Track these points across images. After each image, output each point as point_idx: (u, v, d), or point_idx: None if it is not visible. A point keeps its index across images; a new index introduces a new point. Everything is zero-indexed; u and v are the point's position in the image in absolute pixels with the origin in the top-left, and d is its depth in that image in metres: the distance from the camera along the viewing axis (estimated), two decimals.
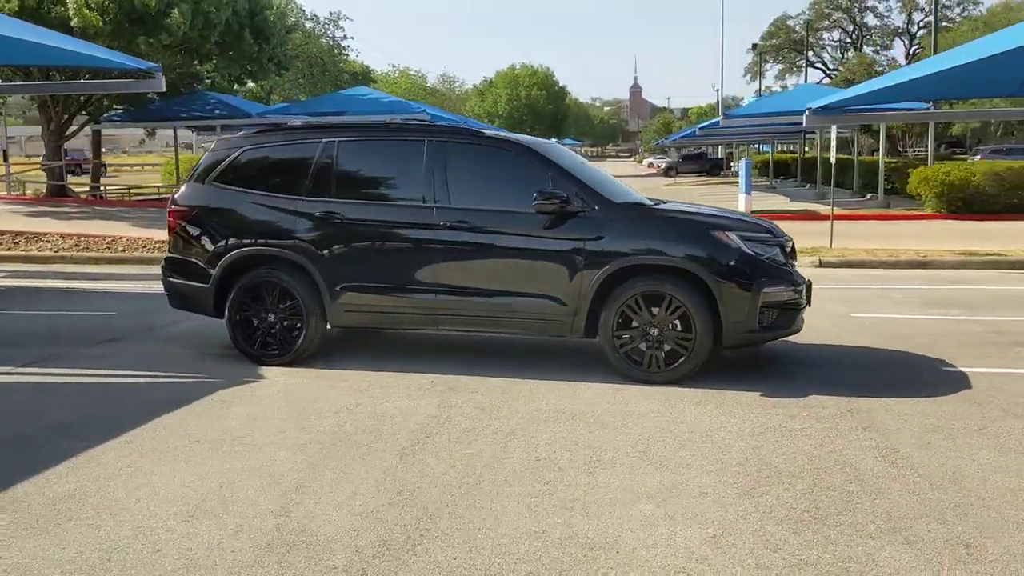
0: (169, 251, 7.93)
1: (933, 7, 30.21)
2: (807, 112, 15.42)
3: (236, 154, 7.79)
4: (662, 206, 7.48)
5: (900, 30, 72.15)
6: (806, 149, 50.15)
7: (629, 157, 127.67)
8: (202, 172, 7.88)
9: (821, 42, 73.17)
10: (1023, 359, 7.76)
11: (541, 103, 74.62)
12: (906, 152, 57.42)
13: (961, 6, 68.55)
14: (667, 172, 65.62)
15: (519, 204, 7.09)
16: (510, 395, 6.55)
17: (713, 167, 65.11)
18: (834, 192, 17.58)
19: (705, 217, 7.20)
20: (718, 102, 73.78)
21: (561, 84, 79.48)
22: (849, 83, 60.05)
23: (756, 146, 67.32)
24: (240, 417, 6.02)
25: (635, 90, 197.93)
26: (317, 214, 7.40)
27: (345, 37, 52.98)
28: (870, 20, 72.77)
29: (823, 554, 3.94)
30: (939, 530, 4.19)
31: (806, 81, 59.67)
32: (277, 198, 7.55)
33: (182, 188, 8.01)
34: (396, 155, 7.49)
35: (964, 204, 23.57)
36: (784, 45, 73.09)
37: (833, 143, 17.01)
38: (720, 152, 68.64)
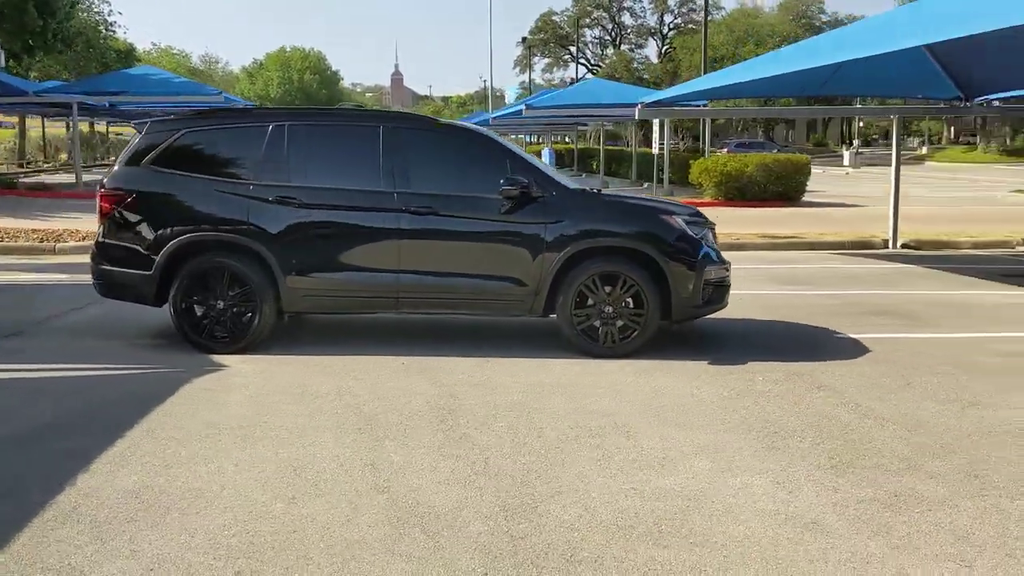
0: (101, 237, 7.51)
1: (704, 11, 32.87)
2: (640, 105, 16.52)
3: (175, 137, 7.51)
4: (609, 192, 8.00)
5: (653, 30, 77.19)
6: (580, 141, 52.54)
7: None
8: (136, 155, 7.51)
9: (584, 39, 76.84)
10: (887, 326, 8.94)
11: (315, 87, 73.25)
12: (678, 144, 61.04)
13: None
14: None
15: (478, 190, 7.36)
16: (491, 373, 6.82)
17: None
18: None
19: (653, 202, 7.81)
20: (488, 93, 75.84)
21: (334, 69, 78.63)
22: (612, 78, 63.69)
23: (525, 138, 69.67)
24: (243, 404, 5.93)
25: (396, 77, 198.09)
26: (271, 199, 7.30)
27: (112, 12, 49.56)
28: (627, 20, 77.39)
29: (876, 491, 4.58)
30: (946, 465, 4.96)
31: (577, 76, 62.56)
32: (226, 182, 7.38)
33: (113, 171, 7.60)
34: (351, 140, 7.54)
35: (739, 192, 25.90)
36: (551, 40, 76.21)
37: (657, 135, 18.25)
38: None
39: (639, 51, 76.79)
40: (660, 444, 5.26)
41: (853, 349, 7.85)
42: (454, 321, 8.70)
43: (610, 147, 46.79)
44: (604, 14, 75.78)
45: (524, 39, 71.56)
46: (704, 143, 33.10)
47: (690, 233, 7.48)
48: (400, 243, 7.29)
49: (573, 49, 67.41)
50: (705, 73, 35.90)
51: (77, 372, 6.84)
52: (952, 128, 77.18)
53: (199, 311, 7.35)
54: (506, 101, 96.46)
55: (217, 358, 7.17)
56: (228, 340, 7.33)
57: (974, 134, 71.68)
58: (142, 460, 4.86)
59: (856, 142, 63.52)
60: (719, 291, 7.69)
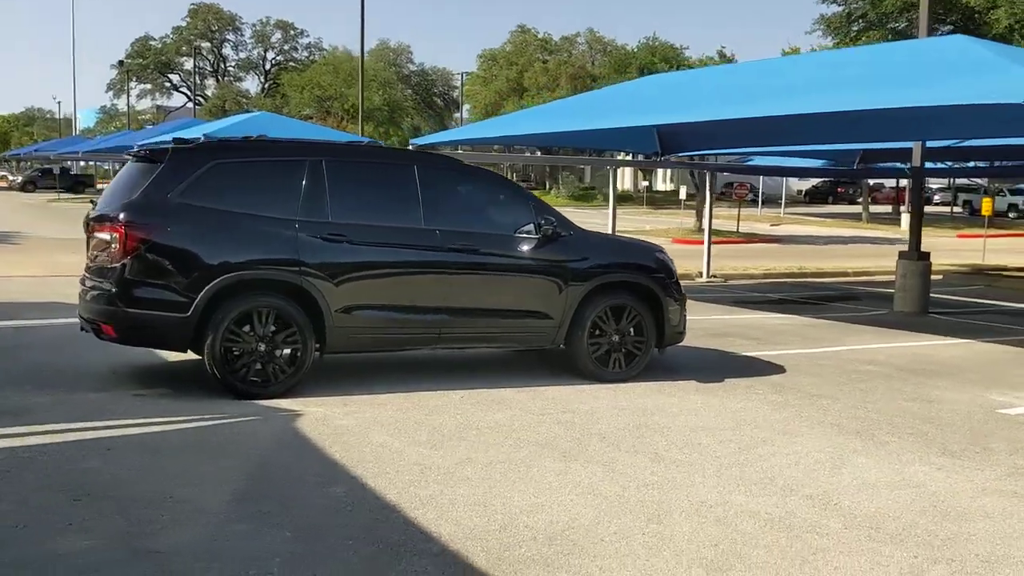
0: (126, 276, 6.59)
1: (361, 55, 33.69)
2: (412, 147, 17.10)
3: (203, 168, 6.89)
4: (609, 232, 8.66)
5: (255, 65, 76.46)
6: None
7: None
8: (161, 186, 6.74)
9: (184, 67, 73.59)
10: (750, 345, 10.48)
11: None
12: None
13: (308, 50, 75.44)
14: (24, 187, 60.74)
15: (507, 228, 7.70)
16: (553, 403, 7.12)
17: (76, 184, 61.41)
18: None
19: (645, 241, 8.63)
20: (73, 116, 69.60)
21: None
22: (222, 110, 62.08)
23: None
24: (407, 443, 5.80)
25: None
26: (321, 236, 6.99)
27: None
28: (229, 52, 75.75)
29: (1003, 468, 5.83)
30: (1004, 446, 6.36)
31: (193, 104, 59.76)
32: (268, 219, 6.94)
33: (132, 202, 6.71)
34: (388, 179, 7.51)
35: None
36: (150, 65, 71.92)
37: None
38: (76, 168, 64.94)
39: (239, 84, 75.58)
40: (805, 449, 6.12)
41: (769, 365, 9.26)
42: (435, 356, 8.72)
43: None
44: (206, 44, 73.45)
45: (122, 62, 66.77)
46: None
47: (673, 269, 8.45)
48: (445, 280, 7.38)
49: (175, 77, 64.41)
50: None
51: (150, 427, 6.02)
52: (514, 174, 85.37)
53: (237, 354, 6.79)
54: (76, 125, 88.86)
55: (266, 403, 6.68)
56: (269, 384, 6.86)
57: (526, 178, 79.02)
58: (455, 501, 4.73)
59: None
60: (685, 320, 8.73)
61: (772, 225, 44.09)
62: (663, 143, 18.41)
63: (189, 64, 70.28)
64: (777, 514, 4.80)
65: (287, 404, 6.69)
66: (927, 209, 47.05)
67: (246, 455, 5.47)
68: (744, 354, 9.89)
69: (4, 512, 4.38)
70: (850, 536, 4.54)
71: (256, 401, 6.74)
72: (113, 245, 6.63)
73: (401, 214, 7.42)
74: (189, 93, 71.82)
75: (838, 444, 6.29)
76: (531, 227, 7.71)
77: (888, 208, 53.39)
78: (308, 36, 75.83)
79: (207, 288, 6.63)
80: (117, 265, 6.63)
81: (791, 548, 4.33)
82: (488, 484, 5.06)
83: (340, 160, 7.39)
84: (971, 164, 23.41)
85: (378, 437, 5.93)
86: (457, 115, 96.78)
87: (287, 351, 6.90)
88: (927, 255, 15.48)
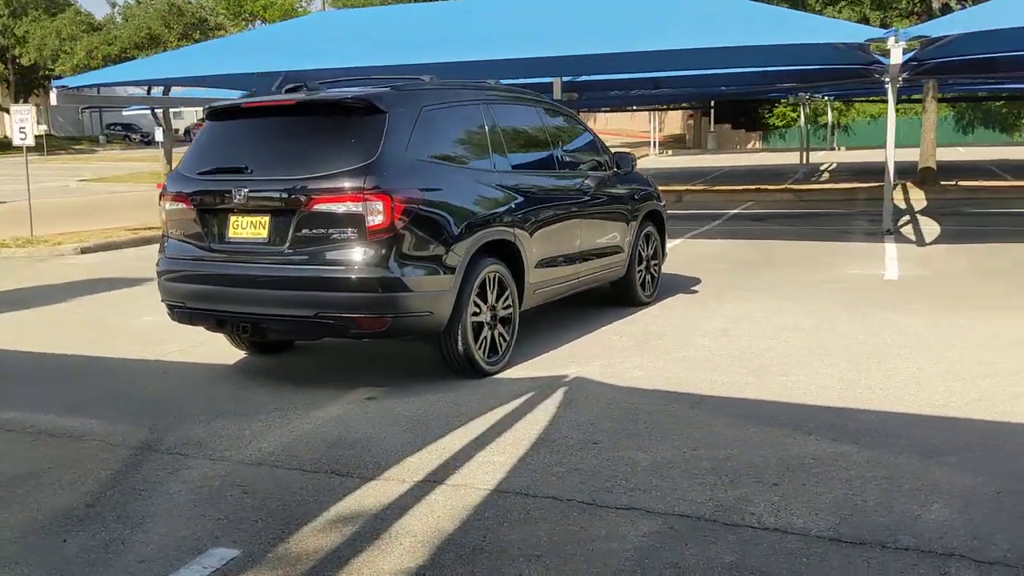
0: (399, 254, 5.45)
1: None
2: (55, 90, 14.47)
3: (418, 117, 5.87)
4: None
5: None
6: None
7: None
8: (397, 141, 5.60)
9: None
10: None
11: None
12: None
13: None
14: None
15: (596, 167, 7.80)
16: (695, 324, 7.65)
17: None
18: None
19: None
20: None
21: None
22: None
23: None
24: (749, 374, 6.04)
25: None
26: (513, 188, 6.48)
27: None
28: None
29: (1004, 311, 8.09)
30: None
31: None
32: (477, 172, 6.29)
33: (381, 163, 5.43)
34: (527, 122, 7.16)
35: None
36: None
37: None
38: None
39: None
40: (921, 323, 7.44)
41: (683, 278, 10.44)
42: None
43: None
44: None
45: None
46: None
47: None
48: (582, 224, 7.31)
49: None
50: None
51: (520, 425, 5.22)
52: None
53: (475, 325, 6.06)
54: None
55: (506, 376, 6.20)
56: (497, 356, 6.29)
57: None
58: (950, 404, 5.37)
59: None
60: None
61: None
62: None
63: None
64: None
65: (531, 373, 6.28)
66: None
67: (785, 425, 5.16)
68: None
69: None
70: None
71: (481, 377, 6.15)
72: (371, 217, 5.39)
73: (542, 159, 7.18)
74: None
75: (910, 314, 7.82)
76: (601, 163, 7.90)
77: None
78: None
79: (463, 256, 5.84)
80: (377, 241, 5.43)
81: None
82: (892, 389, 5.72)
83: (497, 103, 6.77)
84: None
85: (716, 376, 6.05)
86: None
87: (503, 317, 6.37)
88: None
